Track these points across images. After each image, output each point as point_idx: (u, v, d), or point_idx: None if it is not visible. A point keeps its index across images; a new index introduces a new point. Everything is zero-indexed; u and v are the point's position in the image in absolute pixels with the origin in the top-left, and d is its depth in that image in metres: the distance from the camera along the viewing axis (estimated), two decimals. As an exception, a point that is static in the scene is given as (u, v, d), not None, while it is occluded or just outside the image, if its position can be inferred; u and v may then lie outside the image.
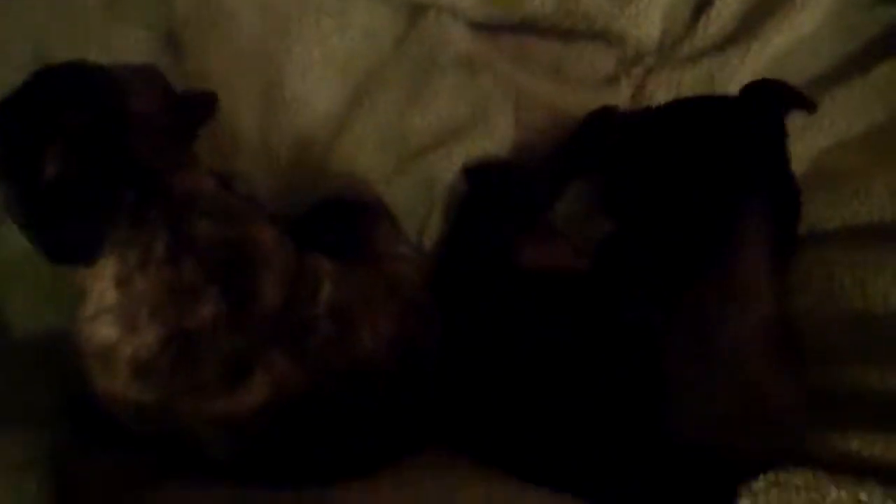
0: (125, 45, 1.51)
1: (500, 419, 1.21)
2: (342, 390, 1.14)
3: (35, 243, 1.11)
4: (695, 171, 1.17)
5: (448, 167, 1.51)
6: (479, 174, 1.51)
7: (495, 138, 1.54)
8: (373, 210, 1.42)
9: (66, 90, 1.11)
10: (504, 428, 1.21)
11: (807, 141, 1.49)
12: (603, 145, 1.35)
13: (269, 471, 1.14)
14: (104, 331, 1.09)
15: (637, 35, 1.59)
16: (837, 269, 1.29)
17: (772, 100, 1.20)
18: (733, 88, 1.44)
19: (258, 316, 1.10)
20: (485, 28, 1.61)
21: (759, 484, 1.07)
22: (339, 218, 1.40)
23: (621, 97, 1.57)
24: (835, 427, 1.15)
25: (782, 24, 1.53)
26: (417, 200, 1.49)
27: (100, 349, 1.09)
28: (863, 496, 1.05)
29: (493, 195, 1.48)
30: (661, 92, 1.54)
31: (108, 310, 1.08)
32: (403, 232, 1.45)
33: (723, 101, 1.30)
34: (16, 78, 1.33)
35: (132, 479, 1.20)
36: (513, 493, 1.13)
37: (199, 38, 1.51)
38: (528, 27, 1.60)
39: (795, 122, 1.31)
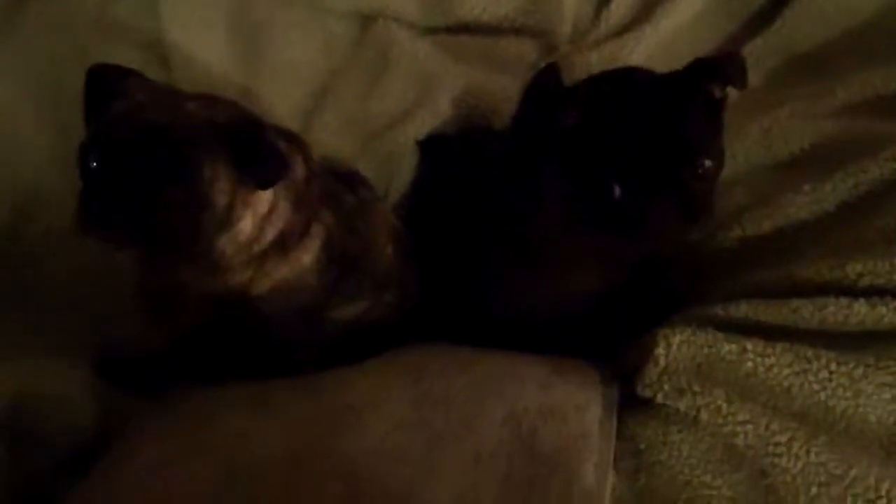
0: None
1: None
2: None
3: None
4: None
5: (403, 143, 1.76)
6: (428, 145, 1.78)
7: (440, 117, 1.80)
8: (355, 176, 1.64)
9: None
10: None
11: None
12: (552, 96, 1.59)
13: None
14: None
15: (551, 28, 1.90)
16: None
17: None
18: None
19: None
20: (426, 31, 1.91)
21: (675, 338, 1.26)
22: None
23: (541, 80, 1.85)
24: (728, 297, 1.35)
25: (669, 11, 1.83)
26: (381, 171, 1.72)
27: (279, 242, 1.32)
28: (748, 346, 1.23)
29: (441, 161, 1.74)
30: (574, 72, 1.80)
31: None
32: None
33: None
34: (30, 100, 1.58)
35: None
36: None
37: (184, 52, 1.75)
38: (462, 28, 1.90)
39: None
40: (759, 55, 1.83)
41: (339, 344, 1.40)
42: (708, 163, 1.24)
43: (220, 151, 1.18)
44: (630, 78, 1.33)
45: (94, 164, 1.14)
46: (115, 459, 1.22)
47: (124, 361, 1.46)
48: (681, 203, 1.24)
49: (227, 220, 1.24)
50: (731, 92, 1.30)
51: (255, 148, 1.20)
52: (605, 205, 1.26)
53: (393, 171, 1.73)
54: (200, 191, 1.17)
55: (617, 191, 1.24)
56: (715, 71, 1.28)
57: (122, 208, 1.14)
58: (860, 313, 1.22)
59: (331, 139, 1.74)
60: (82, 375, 1.41)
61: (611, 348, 1.37)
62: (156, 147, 1.14)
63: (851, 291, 1.25)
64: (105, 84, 1.22)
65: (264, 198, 1.27)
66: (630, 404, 1.27)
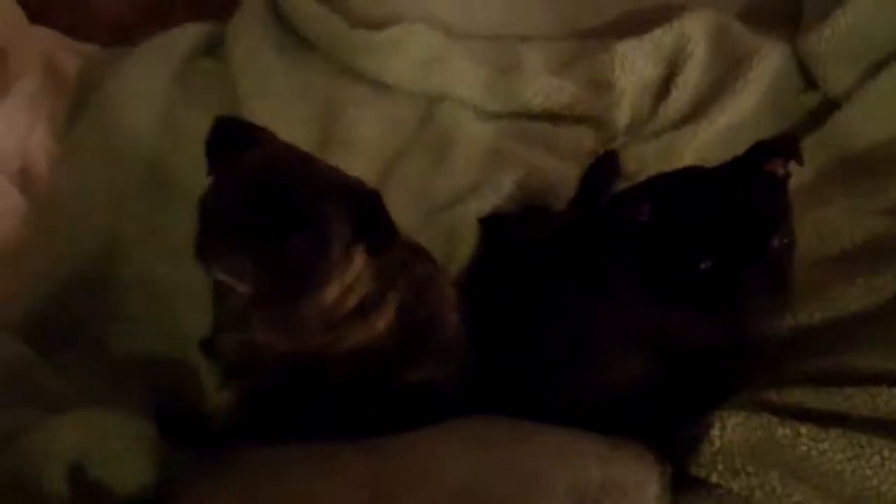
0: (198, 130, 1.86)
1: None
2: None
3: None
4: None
5: (466, 219, 1.81)
6: (490, 223, 1.83)
7: (501, 196, 1.86)
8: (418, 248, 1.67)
9: None
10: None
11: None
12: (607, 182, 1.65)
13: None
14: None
15: (610, 119, 1.98)
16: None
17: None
18: (689, 159, 1.81)
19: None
20: (490, 115, 2.01)
21: (730, 420, 1.29)
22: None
23: (600, 168, 1.93)
24: (781, 384, 1.39)
25: (725, 107, 1.91)
26: (443, 246, 1.76)
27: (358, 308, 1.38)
28: (803, 430, 1.26)
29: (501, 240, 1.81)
30: (630, 162, 1.89)
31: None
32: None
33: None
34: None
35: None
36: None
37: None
38: (524, 114, 2.00)
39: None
40: (810, 153, 1.86)
41: (402, 410, 1.43)
42: (787, 235, 1.30)
43: (344, 210, 1.25)
44: (692, 171, 1.42)
45: (231, 201, 1.20)
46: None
47: (185, 417, 1.50)
48: (769, 274, 1.28)
49: (321, 283, 1.30)
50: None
51: (376, 215, 1.28)
52: (693, 281, 1.30)
53: (454, 246, 1.78)
54: (324, 241, 1.24)
55: (705, 263, 1.28)
56: (774, 149, 1.36)
57: (252, 246, 1.19)
58: (911, 403, 1.25)
59: (395, 213, 1.80)
60: (148, 429, 1.43)
61: (661, 431, 1.40)
62: (291, 192, 1.21)
63: (903, 382, 1.28)
64: (232, 134, 1.30)
65: (353, 269, 1.34)
66: (682, 484, 1.29)
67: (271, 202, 1.20)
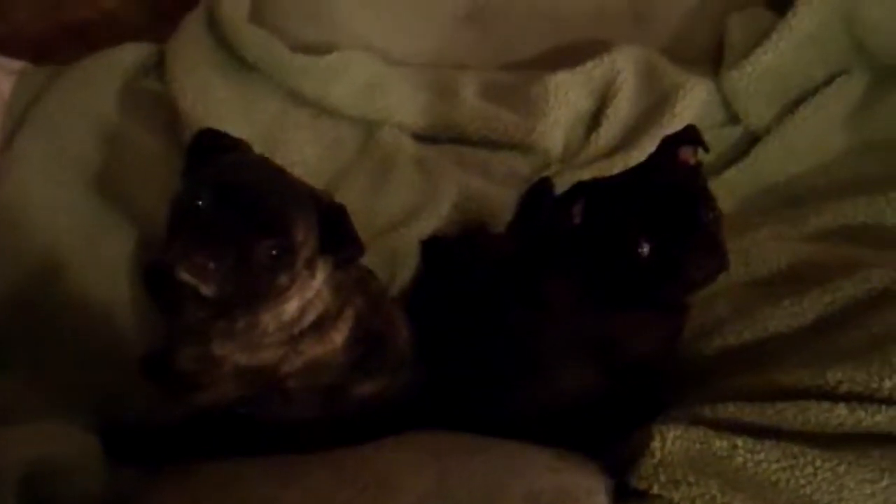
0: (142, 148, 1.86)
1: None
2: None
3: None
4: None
5: (407, 241, 1.85)
6: (430, 245, 1.87)
7: (441, 218, 1.91)
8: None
9: None
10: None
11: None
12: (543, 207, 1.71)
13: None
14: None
15: (545, 147, 2.04)
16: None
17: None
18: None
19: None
20: (429, 139, 2.05)
21: (669, 434, 1.33)
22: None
23: (534, 194, 1.99)
24: (714, 400, 1.45)
25: (654, 138, 1.95)
26: (384, 268, 1.78)
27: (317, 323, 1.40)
28: (738, 443, 1.32)
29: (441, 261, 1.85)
30: (565, 188, 1.94)
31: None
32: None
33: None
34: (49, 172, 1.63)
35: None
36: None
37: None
38: (462, 140, 2.05)
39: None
40: (734, 183, 2.00)
41: (354, 421, 1.46)
42: (713, 208, 1.39)
43: (314, 223, 1.28)
44: (616, 174, 1.52)
45: (202, 203, 1.21)
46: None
47: (129, 434, 1.49)
48: (707, 245, 1.37)
49: (282, 295, 1.31)
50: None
51: (343, 230, 1.31)
52: (635, 264, 1.37)
53: (396, 268, 1.81)
54: (290, 249, 1.26)
55: (645, 247, 1.36)
56: (682, 138, 1.47)
57: (219, 248, 1.20)
58: (840, 416, 1.34)
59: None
60: (94, 444, 1.43)
61: (599, 444, 1.45)
62: (262, 199, 1.23)
63: (831, 396, 1.36)
64: (213, 141, 1.33)
65: (314, 284, 1.37)
66: (623, 496, 1.34)
67: (241, 207, 1.22)
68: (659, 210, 1.37)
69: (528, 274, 1.58)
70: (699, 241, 1.37)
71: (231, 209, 1.21)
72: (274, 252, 1.24)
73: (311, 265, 1.33)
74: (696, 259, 1.37)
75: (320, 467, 1.29)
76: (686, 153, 1.47)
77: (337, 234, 1.31)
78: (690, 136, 1.48)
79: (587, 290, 1.47)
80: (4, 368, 1.56)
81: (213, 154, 1.32)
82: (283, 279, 1.28)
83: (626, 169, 1.53)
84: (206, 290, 1.23)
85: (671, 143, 1.47)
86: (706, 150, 1.48)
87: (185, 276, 1.22)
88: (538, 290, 1.55)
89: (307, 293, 1.36)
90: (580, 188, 1.47)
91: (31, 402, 1.51)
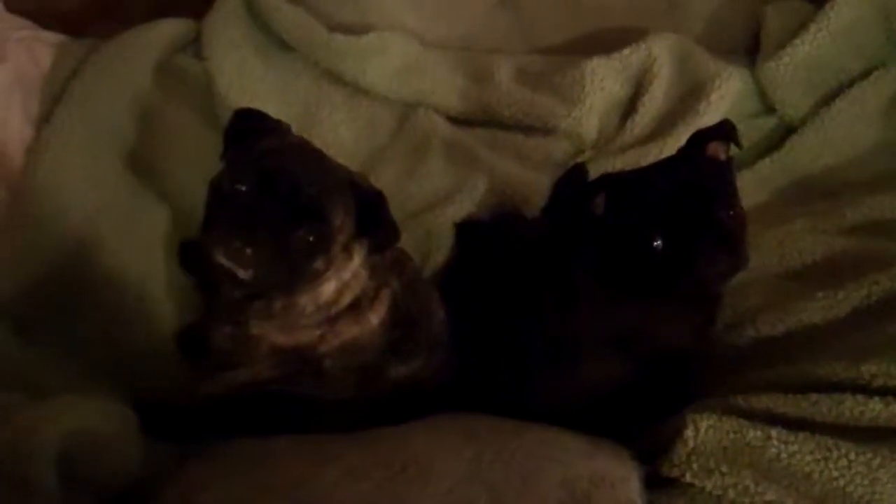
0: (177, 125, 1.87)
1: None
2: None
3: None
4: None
5: (441, 223, 1.86)
6: (465, 228, 1.89)
7: (475, 202, 1.92)
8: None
9: None
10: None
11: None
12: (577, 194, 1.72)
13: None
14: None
15: (580, 132, 2.05)
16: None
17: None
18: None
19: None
20: (464, 122, 2.05)
21: (703, 423, 1.34)
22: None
23: (568, 179, 1.99)
24: (748, 391, 1.45)
25: (689, 126, 1.97)
26: (418, 250, 1.80)
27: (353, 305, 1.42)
28: (772, 433, 1.32)
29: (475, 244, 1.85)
30: (599, 174, 1.95)
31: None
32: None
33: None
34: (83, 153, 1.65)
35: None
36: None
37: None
38: (497, 124, 2.04)
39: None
40: (767, 174, 2.00)
41: (389, 402, 1.47)
42: (735, 207, 1.39)
43: (351, 208, 1.29)
44: (642, 167, 1.52)
45: (242, 188, 1.23)
46: (173, 503, 1.25)
47: (166, 409, 1.50)
48: (720, 242, 1.36)
49: (319, 277, 1.32)
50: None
51: (380, 215, 1.32)
52: (649, 263, 1.38)
53: (430, 250, 1.83)
54: (327, 235, 1.27)
55: (658, 243, 1.37)
56: (713, 134, 1.47)
57: (257, 234, 1.22)
58: (875, 410, 1.33)
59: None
60: (130, 417, 1.43)
61: (631, 431, 1.45)
62: (300, 185, 1.24)
63: (866, 390, 1.36)
64: (251, 124, 1.34)
65: (351, 266, 1.38)
66: (654, 483, 1.34)
67: (280, 193, 1.23)
68: (676, 206, 1.37)
69: (560, 260, 1.58)
70: (714, 238, 1.36)
71: (270, 196, 1.23)
72: (311, 238, 1.26)
73: (348, 248, 1.35)
74: (708, 256, 1.37)
75: (355, 447, 1.30)
76: (717, 148, 1.46)
77: (374, 219, 1.33)
78: (722, 131, 1.47)
79: (609, 280, 1.48)
80: (41, 343, 1.57)
81: (252, 136, 1.33)
82: (319, 264, 1.30)
83: (655, 161, 1.52)
84: (244, 274, 1.25)
85: (702, 138, 1.46)
86: (739, 146, 1.48)
87: (222, 260, 1.24)
88: (569, 277, 1.55)
89: (344, 275, 1.37)
90: (603, 180, 1.48)
91: (68, 377, 1.53)
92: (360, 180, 1.36)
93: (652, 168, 1.50)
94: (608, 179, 1.48)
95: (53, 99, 1.83)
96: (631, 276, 1.44)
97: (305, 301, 1.36)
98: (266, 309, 1.37)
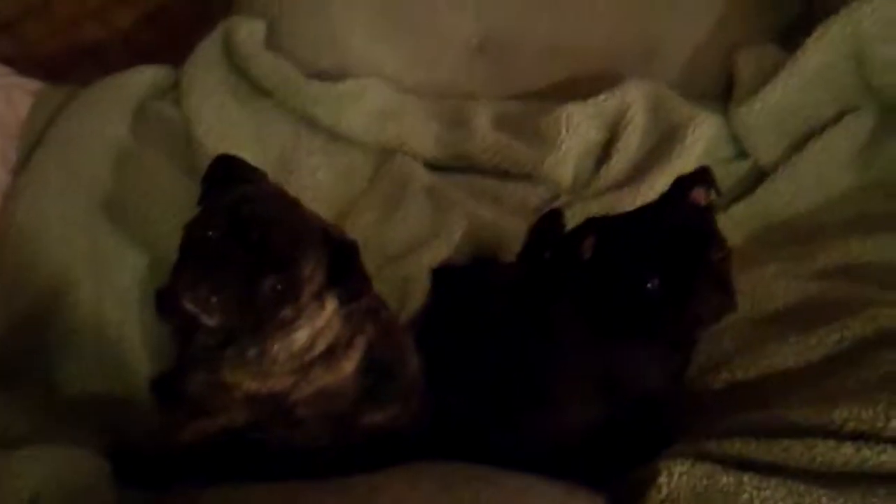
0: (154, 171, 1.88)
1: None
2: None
3: None
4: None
5: (418, 268, 1.87)
6: (441, 273, 1.89)
7: (451, 246, 1.93)
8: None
9: None
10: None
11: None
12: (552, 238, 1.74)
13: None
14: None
15: (556, 178, 2.07)
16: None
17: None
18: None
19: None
20: (441, 168, 2.08)
21: (676, 469, 1.34)
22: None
23: (544, 224, 2.00)
24: (720, 436, 1.45)
25: (664, 171, 2.01)
26: (395, 295, 1.80)
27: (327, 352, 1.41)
28: (745, 479, 1.32)
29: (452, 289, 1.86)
30: (573, 220, 1.92)
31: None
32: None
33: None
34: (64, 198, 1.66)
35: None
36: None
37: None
38: (474, 169, 2.07)
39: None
40: (740, 219, 2.02)
41: (364, 450, 1.46)
42: (722, 249, 1.41)
43: (322, 258, 1.30)
44: (627, 211, 1.54)
45: (212, 233, 1.24)
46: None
47: (138, 457, 1.49)
48: (715, 284, 1.39)
49: (290, 325, 1.32)
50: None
51: (352, 266, 1.33)
52: (644, 304, 1.40)
53: (407, 295, 1.82)
54: (295, 284, 1.27)
55: (654, 284, 1.38)
56: (694, 180, 1.49)
57: (223, 281, 1.23)
58: (846, 455, 1.34)
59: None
60: (103, 467, 1.44)
61: (603, 477, 1.45)
62: (271, 234, 1.24)
63: (837, 435, 1.36)
64: (231, 170, 1.35)
65: (324, 314, 1.38)
66: (627, 530, 1.34)
67: (251, 241, 1.24)
68: (669, 248, 1.39)
69: (538, 305, 1.59)
70: (708, 280, 1.38)
71: (239, 243, 1.23)
72: (279, 287, 1.26)
73: (319, 297, 1.34)
74: (704, 298, 1.39)
75: (330, 495, 1.29)
76: (698, 194, 1.48)
77: (345, 270, 1.33)
78: (704, 177, 1.50)
79: (595, 323, 1.49)
80: (14, 389, 1.57)
81: (229, 183, 1.34)
82: (287, 312, 1.30)
83: (637, 206, 1.55)
84: (209, 320, 1.26)
85: (684, 184, 1.49)
86: (718, 192, 1.51)
87: (189, 307, 1.25)
88: (547, 321, 1.56)
89: (317, 323, 1.37)
90: (591, 224, 1.49)
91: (42, 423, 1.52)
92: (333, 231, 1.36)
93: (638, 212, 1.52)
94: (596, 223, 1.49)
95: (31, 146, 1.84)
96: (620, 317, 1.45)
97: (278, 348, 1.36)
98: (239, 356, 1.37)
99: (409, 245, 1.93)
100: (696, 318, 1.42)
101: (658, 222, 1.44)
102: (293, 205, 1.35)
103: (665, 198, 1.50)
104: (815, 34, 2.10)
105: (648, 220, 1.46)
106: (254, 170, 1.39)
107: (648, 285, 1.39)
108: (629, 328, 1.46)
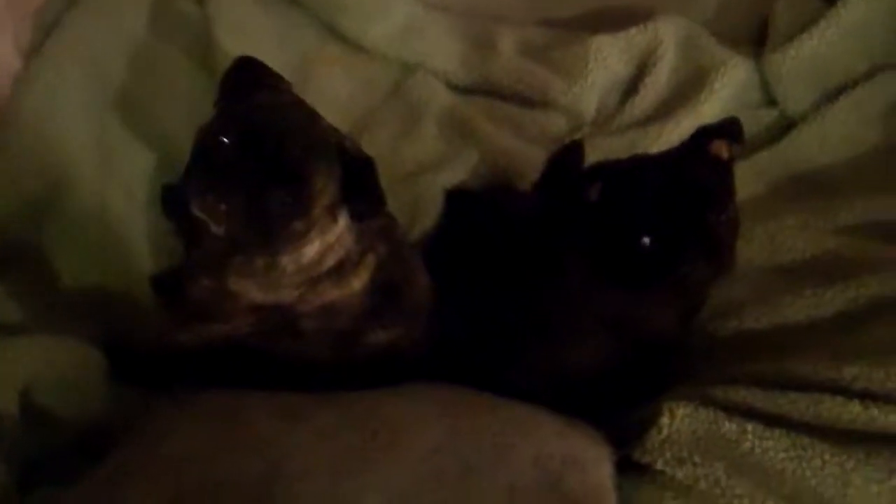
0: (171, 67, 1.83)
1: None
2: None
3: None
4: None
5: (431, 189, 1.84)
6: (455, 196, 1.86)
7: (467, 170, 1.90)
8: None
9: None
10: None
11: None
12: (571, 171, 1.70)
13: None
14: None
15: (579, 109, 2.02)
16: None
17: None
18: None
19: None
20: (462, 90, 2.03)
21: (678, 411, 1.33)
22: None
23: (563, 155, 1.97)
24: (726, 382, 1.44)
25: (690, 111, 1.97)
26: (405, 215, 1.77)
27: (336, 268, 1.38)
28: (748, 427, 1.31)
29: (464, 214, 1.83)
30: (594, 154, 1.91)
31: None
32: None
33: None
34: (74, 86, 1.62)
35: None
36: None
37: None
38: (496, 94, 2.01)
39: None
40: (764, 167, 1.98)
41: (365, 369, 1.44)
42: (728, 211, 1.37)
43: (336, 172, 1.26)
44: (642, 156, 1.50)
45: (227, 140, 1.20)
46: (138, 449, 1.24)
47: (135, 355, 1.49)
48: (707, 248, 1.35)
49: (300, 239, 1.30)
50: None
51: (366, 182, 1.29)
52: (635, 258, 1.36)
53: (418, 215, 1.80)
54: (306, 198, 1.24)
55: (646, 241, 1.35)
56: (718, 131, 1.43)
57: (232, 191, 1.19)
58: (853, 412, 1.32)
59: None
60: (98, 359, 1.44)
61: (604, 415, 1.44)
62: (284, 145, 1.20)
63: (846, 392, 1.34)
64: (252, 73, 1.31)
65: (336, 229, 1.35)
66: (625, 469, 1.33)
67: (263, 151, 1.20)
68: (669, 207, 1.34)
69: (549, 240, 1.56)
70: (701, 243, 1.35)
71: (251, 153, 1.20)
72: (287, 200, 1.22)
73: (332, 212, 1.31)
74: (693, 261, 1.35)
75: (328, 408, 1.28)
76: (719, 147, 1.42)
77: (358, 186, 1.30)
78: (729, 130, 1.44)
79: (601, 266, 1.45)
80: (11, 278, 1.55)
81: (248, 87, 1.30)
82: (297, 225, 1.27)
83: (660, 145, 1.52)
84: (216, 229, 1.24)
85: (706, 135, 1.43)
86: (742, 145, 1.45)
87: (197, 212, 1.22)
88: (557, 256, 1.53)
89: (328, 237, 1.34)
90: (599, 169, 1.46)
91: (39, 313, 1.51)
92: (350, 146, 1.31)
93: (650, 160, 1.47)
94: (605, 169, 1.45)
95: (45, 29, 1.79)
96: (620, 266, 1.41)
97: (287, 261, 1.33)
98: (247, 266, 1.34)
99: (424, 165, 1.89)
100: (685, 279, 1.38)
101: (667, 175, 1.38)
102: (310, 116, 1.30)
103: (683, 147, 1.45)
104: (859, -13, 2.04)
105: (659, 171, 1.40)
106: (274, 76, 1.35)
107: (641, 242, 1.35)
108: (628, 276, 1.42)
